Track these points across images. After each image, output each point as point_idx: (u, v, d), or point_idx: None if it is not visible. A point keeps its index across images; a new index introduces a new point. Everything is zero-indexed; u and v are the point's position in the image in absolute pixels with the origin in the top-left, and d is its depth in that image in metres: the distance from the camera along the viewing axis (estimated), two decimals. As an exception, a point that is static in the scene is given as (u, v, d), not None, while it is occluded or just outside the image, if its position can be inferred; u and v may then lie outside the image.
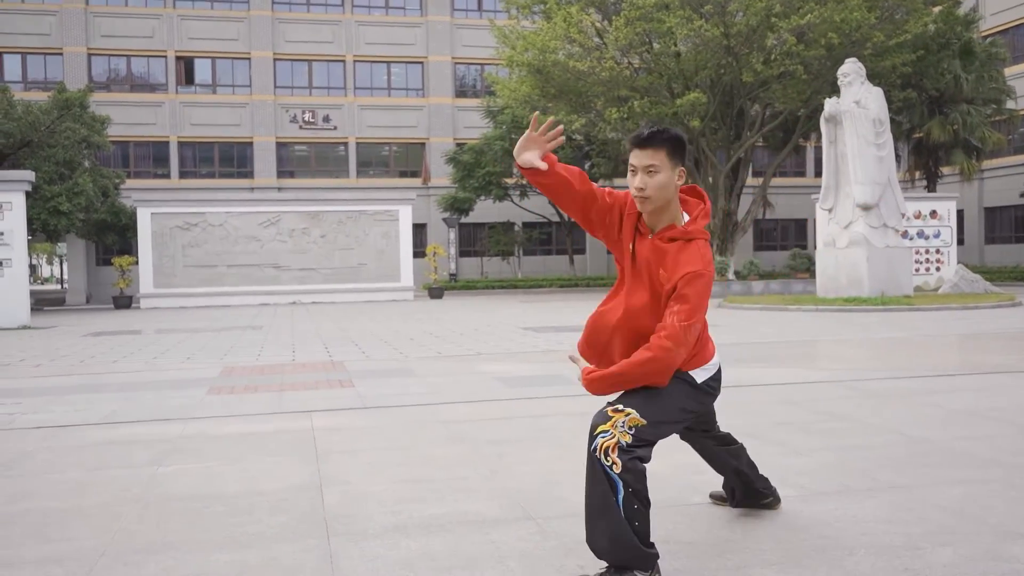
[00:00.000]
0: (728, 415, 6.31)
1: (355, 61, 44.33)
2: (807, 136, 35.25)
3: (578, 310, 21.59)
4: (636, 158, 3.10)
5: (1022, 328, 13.83)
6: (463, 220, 40.49)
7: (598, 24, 30.36)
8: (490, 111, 39.00)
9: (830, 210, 21.65)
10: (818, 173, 47.92)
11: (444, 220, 38.69)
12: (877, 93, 20.92)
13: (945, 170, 37.34)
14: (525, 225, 44.11)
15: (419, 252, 36.53)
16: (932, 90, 32.54)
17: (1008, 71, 36.46)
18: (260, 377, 9.47)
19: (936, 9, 30.65)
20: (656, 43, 28.99)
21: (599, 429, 2.99)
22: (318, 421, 6.65)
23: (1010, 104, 35.52)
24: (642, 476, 2.98)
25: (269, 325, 18.73)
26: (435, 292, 32.14)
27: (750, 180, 34.43)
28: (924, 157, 35.16)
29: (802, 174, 46.96)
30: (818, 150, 46.54)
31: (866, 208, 20.48)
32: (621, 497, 2.93)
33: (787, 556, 3.42)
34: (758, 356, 10.60)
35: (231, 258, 29.98)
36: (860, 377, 8.42)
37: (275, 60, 43.35)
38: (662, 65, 29.70)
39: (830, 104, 21.11)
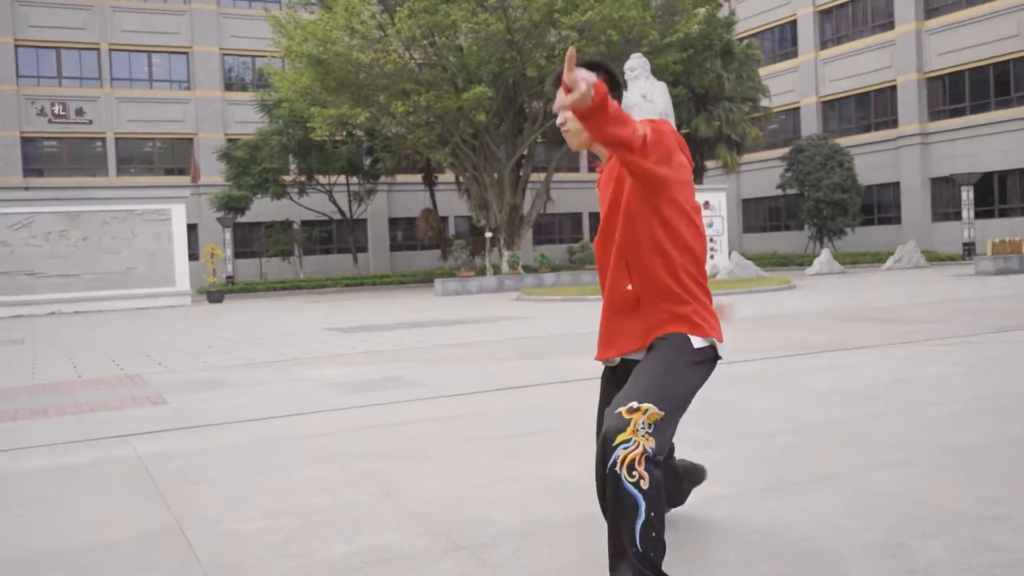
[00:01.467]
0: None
1: (111, 50, 40.90)
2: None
3: (373, 309, 20.82)
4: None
5: (813, 308, 14.59)
6: (238, 220, 38.37)
7: (380, 16, 29.57)
8: (265, 104, 37.13)
9: (621, 201, 22.12)
10: (591, 168, 49.61)
11: (218, 220, 36.42)
12: (662, 88, 21.63)
13: (709, 164, 39.58)
14: (304, 223, 42.50)
15: (192, 254, 34.16)
16: (698, 88, 34.30)
17: (762, 71, 39.17)
18: (45, 398, 8.11)
19: (701, 11, 32.29)
20: (440, 37, 28.62)
21: (619, 439, 2.42)
22: (142, 446, 5.63)
23: (764, 102, 38.16)
24: (661, 488, 2.46)
25: (32, 338, 16.60)
26: (214, 296, 30.12)
27: (532, 175, 34.85)
28: (692, 151, 36.96)
29: (576, 169, 48.33)
30: (591, 146, 48.12)
31: (655, 199, 21.06)
32: (640, 524, 2.39)
33: (784, 570, 3.02)
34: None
35: (-27, 266, 26.61)
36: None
37: (16, 46, 39.13)
38: (445, 59, 29.38)
39: (618, 98, 21.56)
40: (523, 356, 9.71)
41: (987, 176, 34.04)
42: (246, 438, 5.80)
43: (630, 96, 21.46)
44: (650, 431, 2.43)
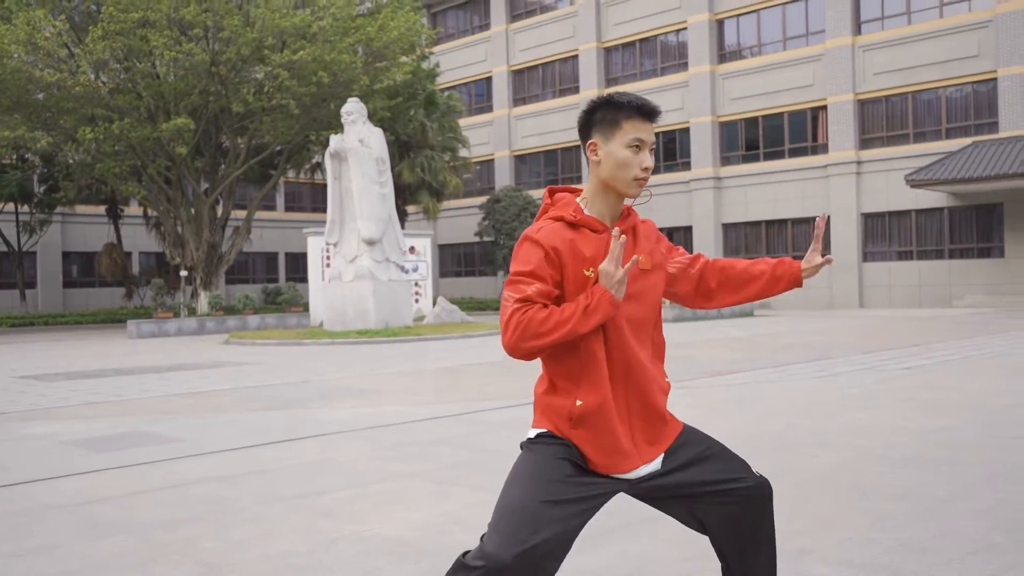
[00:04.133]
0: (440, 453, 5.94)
1: None
2: (286, 172, 35.50)
3: (61, 354, 18.92)
4: (643, 131, 2.43)
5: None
6: None
7: (67, 34, 27.22)
8: (-84, 119, 32.59)
9: (335, 244, 21.99)
10: (288, 207, 48.78)
11: None
12: (379, 133, 21.86)
13: (411, 209, 40.41)
14: (-41, 256, 37.75)
15: None
16: (403, 135, 35.03)
17: (463, 122, 40.82)
18: None
19: (407, 60, 33.09)
20: (136, 62, 26.89)
21: None
22: None
23: (464, 152, 39.76)
24: None
25: None
26: None
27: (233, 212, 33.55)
28: (396, 195, 37.61)
29: (272, 207, 47.24)
30: (289, 185, 47.35)
31: (371, 243, 21.19)
32: None
33: None
34: (356, 390, 10.22)
35: None
36: (470, 409, 8.54)
37: None
38: (139, 86, 27.63)
39: (335, 140, 21.51)
40: (271, 406, 9.34)
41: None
42: (1, 509, 5.09)
43: (348, 139, 21.47)
44: None
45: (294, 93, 26.72)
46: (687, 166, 37.22)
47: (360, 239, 21.20)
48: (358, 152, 21.17)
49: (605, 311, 2.30)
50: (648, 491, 2.52)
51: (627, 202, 2.55)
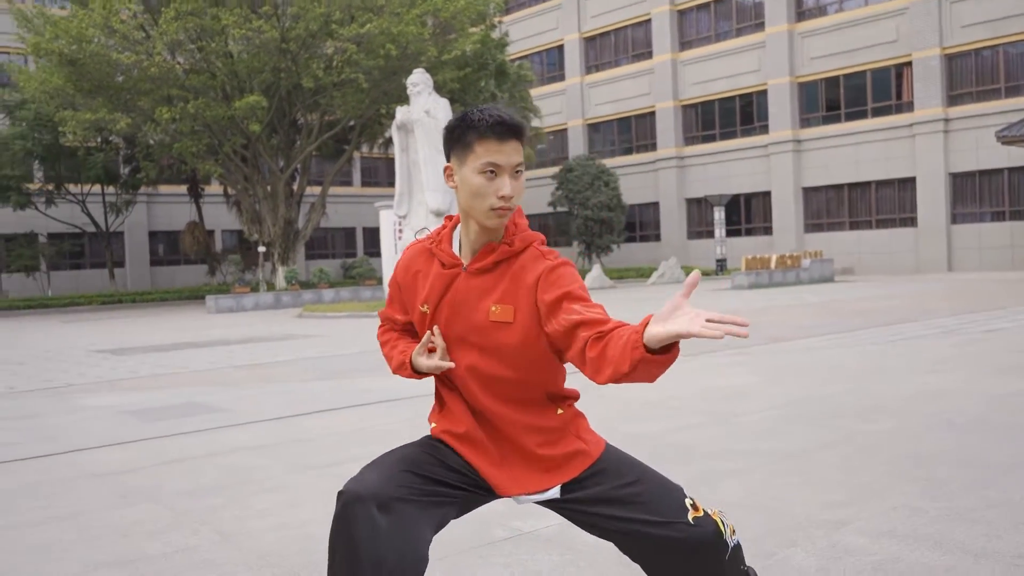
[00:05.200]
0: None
1: None
2: (359, 147, 35.75)
3: (142, 328, 19.44)
4: (499, 154, 2.08)
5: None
6: (-27, 231, 34.75)
7: (142, 16, 27.80)
8: (6, 105, 33.81)
9: (404, 216, 22.00)
10: (364, 183, 49.18)
11: (-50, 231, 32.81)
12: (445, 104, 21.70)
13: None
14: (52, 236, 39.09)
15: (-82, 270, 30.50)
16: (473, 106, 34.87)
17: (534, 92, 40.47)
18: None
19: (476, 30, 32.86)
20: (209, 42, 27.29)
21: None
22: (-91, 495, 4.86)
23: (535, 122, 39.40)
24: None
25: None
26: (-53, 316, 27.01)
27: (307, 189, 33.97)
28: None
29: (349, 183, 47.70)
30: (364, 160, 47.76)
31: (439, 214, 21.11)
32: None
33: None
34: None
35: None
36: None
37: None
38: (214, 65, 28.05)
39: (401, 112, 21.46)
40: (325, 376, 9.35)
41: (736, 197, 36.92)
42: (42, 478, 5.15)
43: (413, 111, 21.40)
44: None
45: (363, 67, 26.78)
46: (764, 129, 36.19)
47: (427, 210, 21.15)
48: (424, 123, 21.07)
49: (406, 375, 2.30)
50: (567, 514, 2.29)
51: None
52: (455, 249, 2.22)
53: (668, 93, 39.40)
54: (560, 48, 44.53)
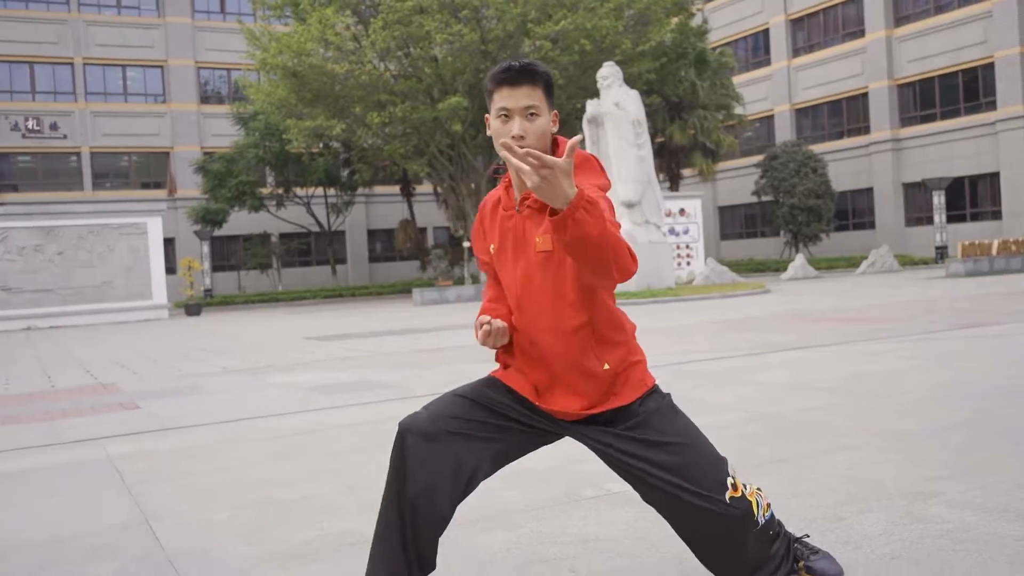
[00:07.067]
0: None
1: (85, 64, 40.79)
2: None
3: (352, 319, 20.87)
4: (509, 99, 2.29)
5: (783, 311, 14.79)
6: (216, 233, 38.35)
7: (354, 28, 29.71)
8: (241, 117, 37.14)
9: (596, 209, 22.28)
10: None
11: (196, 233, 36.38)
12: (635, 96, 21.82)
13: (685, 172, 39.90)
14: (283, 236, 42.50)
15: (169, 268, 34.10)
16: (673, 96, 34.60)
17: (735, 79, 39.57)
18: (18, 407, 8.13)
19: (673, 20, 32.62)
20: (414, 48, 28.76)
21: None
22: (113, 448, 5.69)
23: (738, 110, 38.52)
24: None
25: (6, 353, 16.53)
26: (192, 309, 30.06)
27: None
28: (667, 159, 37.33)
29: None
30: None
31: (630, 206, 21.27)
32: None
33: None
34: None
35: (-53, 282, 26.46)
36: (680, 360, 8.49)
37: (-11, 62, 39.01)
38: (420, 70, 29.52)
39: (591, 106, 21.77)
40: (492, 359, 9.80)
41: (958, 180, 34.49)
42: (217, 439, 5.87)
43: (603, 104, 21.66)
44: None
45: (558, 64, 27.30)
46: (991, 106, 33.56)
47: (619, 202, 21.32)
48: (614, 116, 21.27)
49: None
50: (595, 448, 2.46)
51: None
52: (516, 193, 2.44)
53: (882, 72, 37.36)
54: (765, 32, 43.25)
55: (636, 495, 3.77)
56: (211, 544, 3.51)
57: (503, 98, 2.31)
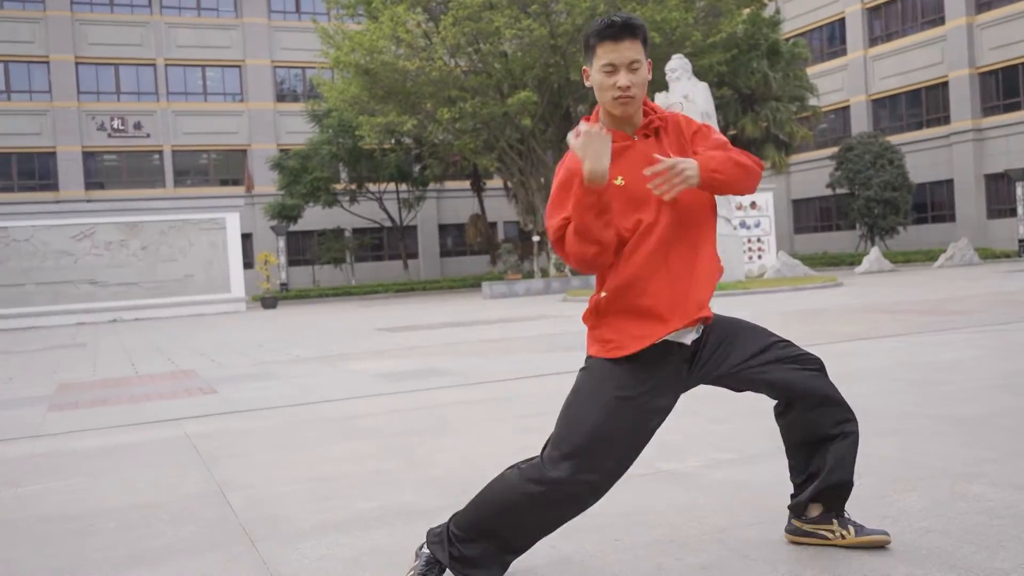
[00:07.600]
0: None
1: (167, 65, 42.10)
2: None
3: (422, 311, 21.22)
4: (614, 53, 2.49)
5: (853, 303, 14.61)
6: (291, 228, 39.26)
7: (425, 25, 30.10)
8: (315, 115, 37.93)
9: (664, 202, 22.24)
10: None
11: (272, 228, 37.31)
12: (704, 88, 21.72)
13: (758, 164, 39.35)
14: (356, 231, 43.22)
15: (246, 262, 35.07)
16: (744, 88, 34.18)
17: (809, 70, 38.89)
18: (105, 391, 8.59)
19: (745, 11, 32.25)
20: (483, 43, 29.01)
21: None
22: (191, 428, 6.02)
23: (812, 101, 37.86)
24: None
25: (94, 343, 17.30)
26: (268, 302, 30.88)
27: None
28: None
29: (624, 173, 48.31)
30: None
31: (698, 198, 21.13)
32: None
33: (763, 517, 3.25)
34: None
35: (40, 275, 27.64)
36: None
37: (77, 64, 40.51)
38: (490, 65, 29.77)
39: (660, 99, 21.72)
40: (557, 348, 9.96)
41: (1043, 171, 33.41)
42: (288, 420, 6.15)
43: (671, 97, 21.59)
44: None
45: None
46: (946, 120, 32.40)
47: (687, 195, 21.25)
48: (682, 108, 21.18)
49: (592, 196, 2.45)
50: (706, 373, 2.77)
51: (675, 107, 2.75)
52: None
53: (963, 60, 36.33)
54: (841, 22, 42.40)
55: (684, 472, 3.91)
56: (278, 511, 3.75)
57: (607, 52, 2.52)
